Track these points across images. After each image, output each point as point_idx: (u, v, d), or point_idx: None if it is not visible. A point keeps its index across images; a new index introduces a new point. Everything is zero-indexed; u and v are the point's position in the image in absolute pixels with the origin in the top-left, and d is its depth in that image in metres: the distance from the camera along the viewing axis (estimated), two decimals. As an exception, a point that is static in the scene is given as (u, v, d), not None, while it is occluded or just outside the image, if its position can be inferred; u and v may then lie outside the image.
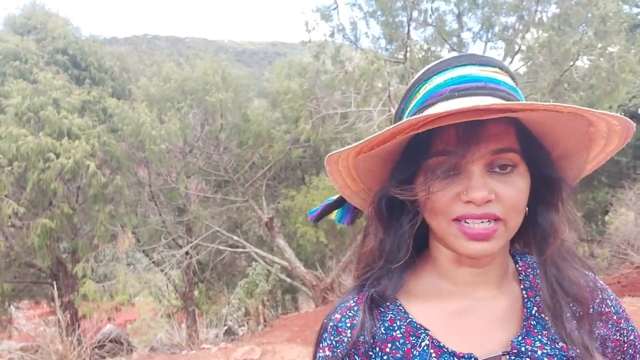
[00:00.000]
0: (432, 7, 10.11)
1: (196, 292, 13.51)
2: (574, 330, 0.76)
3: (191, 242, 11.58)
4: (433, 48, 9.90)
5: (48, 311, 12.63)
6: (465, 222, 0.72)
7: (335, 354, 0.78)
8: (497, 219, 0.72)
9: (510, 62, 9.40)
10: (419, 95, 0.78)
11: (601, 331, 0.81)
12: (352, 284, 0.87)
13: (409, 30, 9.67)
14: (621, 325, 0.83)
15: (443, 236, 0.76)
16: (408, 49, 9.51)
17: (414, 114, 0.76)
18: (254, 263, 11.62)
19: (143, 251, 12.27)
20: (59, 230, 9.86)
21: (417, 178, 0.77)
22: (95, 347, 10.06)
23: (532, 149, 0.75)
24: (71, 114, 10.10)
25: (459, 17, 10.34)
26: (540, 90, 8.22)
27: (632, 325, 0.85)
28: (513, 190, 0.72)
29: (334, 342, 0.78)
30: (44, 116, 9.65)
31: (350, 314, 0.79)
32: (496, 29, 9.91)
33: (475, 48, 10.48)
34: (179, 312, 13.13)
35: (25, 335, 11.85)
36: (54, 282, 9.42)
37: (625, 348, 0.83)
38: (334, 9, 9.87)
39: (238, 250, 12.36)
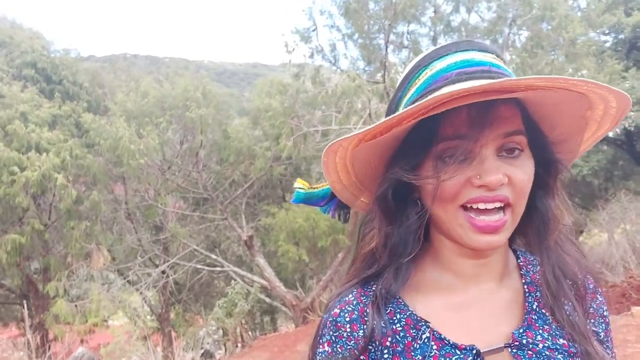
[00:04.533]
0: (408, 30, 10.41)
1: (172, 314, 13.17)
2: (576, 321, 0.76)
3: (168, 261, 11.34)
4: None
5: (17, 333, 12.11)
6: (472, 213, 0.71)
7: (335, 349, 0.75)
8: (507, 205, 0.70)
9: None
10: (419, 82, 0.75)
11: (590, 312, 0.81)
12: (345, 282, 0.83)
13: (386, 52, 9.89)
14: (598, 299, 0.84)
15: (449, 226, 0.74)
16: (386, 70, 9.70)
17: (416, 101, 0.73)
18: (232, 282, 11.42)
19: (118, 270, 11.96)
20: (30, 248, 9.55)
21: (424, 165, 0.74)
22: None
23: (533, 132, 0.74)
24: (40, 128, 9.88)
25: (434, 39, 10.66)
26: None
27: (602, 297, 0.86)
28: (523, 174, 0.71)
29: (333, 338, 0.76)
30: (11, 130, 9.43)
31: (349, 309, 0.77)
32: (471, 52, 10.23)
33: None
34: (154, 334, 12.76)
35: (-9, 360, 11.31)
36: (24, 302, 9.08)
37: (601, 321, 0.84)
38: (313, 30, 10.06)
39: (216, 270, 12.13)
